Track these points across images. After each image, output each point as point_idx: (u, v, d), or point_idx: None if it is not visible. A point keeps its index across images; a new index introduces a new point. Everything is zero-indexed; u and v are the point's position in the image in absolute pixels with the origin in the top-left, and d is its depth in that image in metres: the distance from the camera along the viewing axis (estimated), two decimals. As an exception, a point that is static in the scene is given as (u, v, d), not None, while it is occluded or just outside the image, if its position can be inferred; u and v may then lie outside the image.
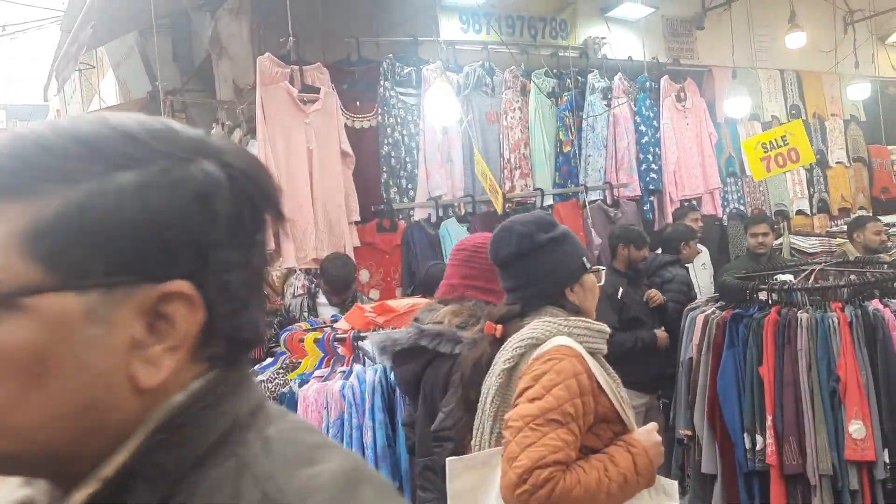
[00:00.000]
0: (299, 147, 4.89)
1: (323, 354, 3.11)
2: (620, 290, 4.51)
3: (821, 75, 8.02)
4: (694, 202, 6.53)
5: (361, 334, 3.00)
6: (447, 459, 1.89)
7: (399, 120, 5.46)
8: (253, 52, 5.59)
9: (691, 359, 3.65)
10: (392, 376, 2.84)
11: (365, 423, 2.75)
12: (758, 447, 3.21)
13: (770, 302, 3.40)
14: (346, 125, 5.20)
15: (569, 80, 6.15)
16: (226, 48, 6.42)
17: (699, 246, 5.47)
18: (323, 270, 4.59)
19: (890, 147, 8.70)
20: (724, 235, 7.10)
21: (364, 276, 5.13)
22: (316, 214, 4.91)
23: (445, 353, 2.23)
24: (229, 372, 0.65)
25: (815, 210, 7.86)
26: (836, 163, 8.16)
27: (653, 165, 6.43)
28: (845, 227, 6.30)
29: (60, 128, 0.61)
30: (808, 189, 7.83)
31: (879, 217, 6.27)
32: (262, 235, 0.67)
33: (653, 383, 4.51)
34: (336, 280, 4.49)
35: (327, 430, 2.82)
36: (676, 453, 3.79)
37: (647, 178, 6.39)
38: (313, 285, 4.89)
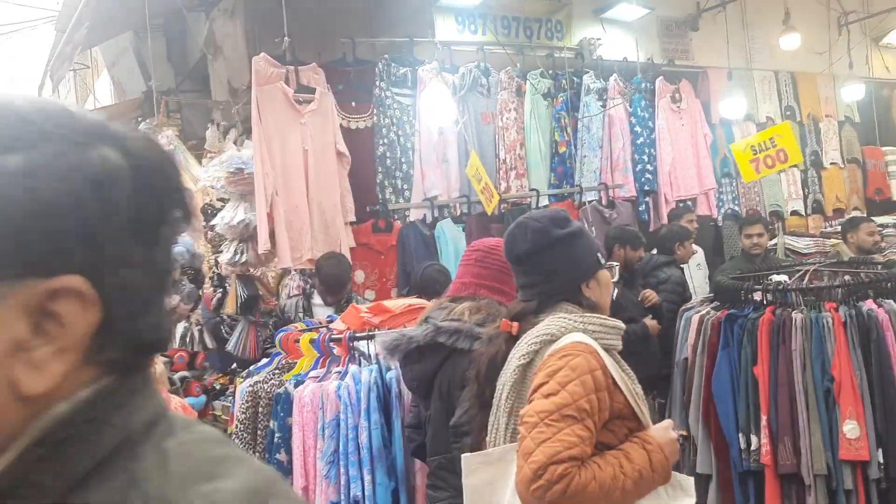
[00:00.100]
0: (295, 147, 4.88)
1: (318, 355, 3.11)
2: (615, 290, 4.51)
3: (815, 76, 8.04)
4: (689, 203, 6.56)
5: (357, 335, 3.00)
6: (463, 455, 1.89)
7: (395, 120, 5.45)
8: (248, 53, 5.58)
9: (686, 359, 3.65)
10: (388, 377, 2.84)
11: (360, 423, 2.75)
12: (752, 447, 3.21)
13: (765, 302, 3.40)
14: (341, 125, 5.19)
15: (564, 81, 6.15)
16: (221, 48, 6.41)
17: (694, 246, 5.49)
18: (318, 269, 4.58)
19: (884, 148, 8.72)
20: (718, 236, 7.12)
21: (359, 276, 5.12)
22: (311, 215, 4.91)
23: (463, 349, 2.22)
24: (127, 379, 0.59)
25: (809, 211, 7.89)
26: (831, 164, 8.19)
27: (648, 166, 6.44)
28: (839, 228, 6.32)
29: None
30: (803, 190, 7.86)
31: (873, 218, 6.30)
32: (168, 231, 0.61)
33: (648, 383, 4.51)
34: (331, 279, 4.49)
35: (323, 431, 2.81)
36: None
37: (643, 179, 6.40)
38: (308, 286, 4.89)
